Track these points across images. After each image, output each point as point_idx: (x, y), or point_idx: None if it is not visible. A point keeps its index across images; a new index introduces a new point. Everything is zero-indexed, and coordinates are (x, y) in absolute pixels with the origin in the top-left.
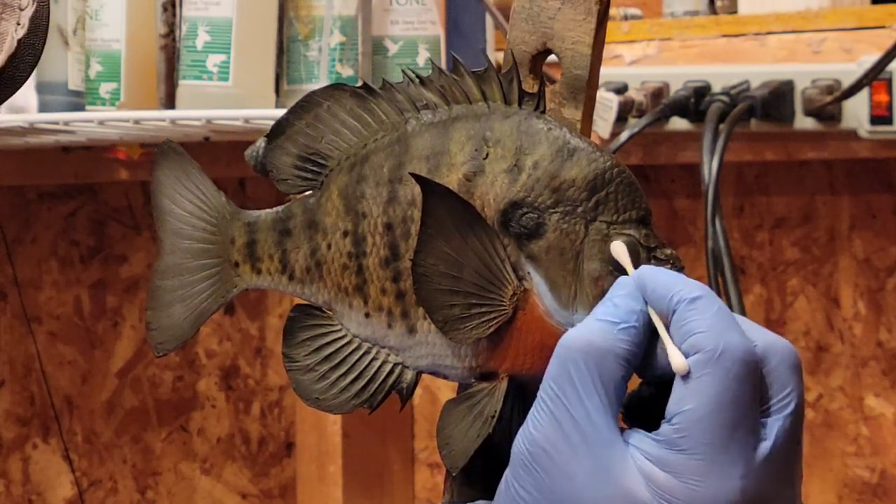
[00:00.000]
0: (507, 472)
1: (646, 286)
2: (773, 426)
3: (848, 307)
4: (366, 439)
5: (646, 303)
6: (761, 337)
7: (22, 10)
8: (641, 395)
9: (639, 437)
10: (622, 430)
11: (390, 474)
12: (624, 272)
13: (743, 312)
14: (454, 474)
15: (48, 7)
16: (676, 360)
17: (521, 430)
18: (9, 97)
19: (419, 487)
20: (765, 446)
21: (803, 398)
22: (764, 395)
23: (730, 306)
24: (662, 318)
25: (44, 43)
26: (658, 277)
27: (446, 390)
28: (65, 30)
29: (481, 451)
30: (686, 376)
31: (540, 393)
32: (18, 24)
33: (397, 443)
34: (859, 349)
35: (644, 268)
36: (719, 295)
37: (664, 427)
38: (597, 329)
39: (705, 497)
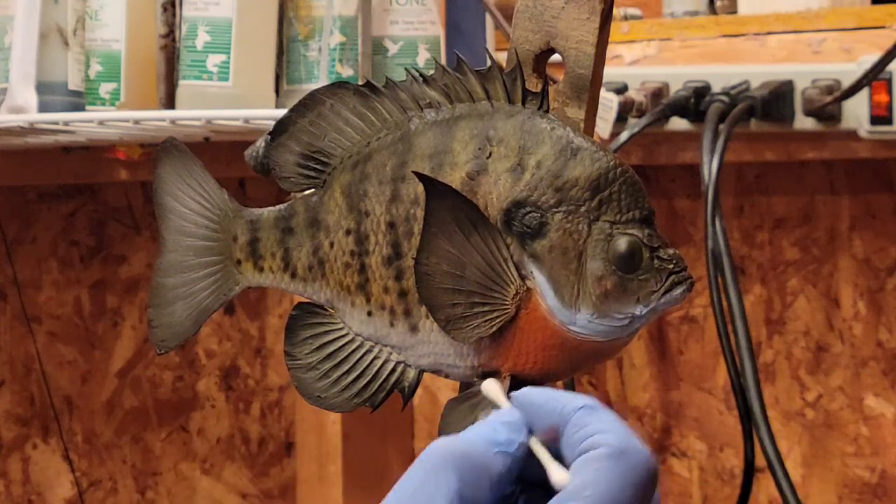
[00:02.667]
0: None
1: (532, 402)
2: None
3: (848, 307)
4: (366, 439)
5: (528, 434)
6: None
7: None
8: None
9: None
10: None
11: (390, 474)
12: (628, 278)
13: (743, 313)
14: None
15: None
16: (557, 473)
17: None
18: None
19: None
20: None
21: None
22: None
23: (730, 306)
24: (551, 434)
25: None
26: (545, 393)
27: (447, 391)
28: (65, 30)
29: None
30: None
31: (402, 480)
32: None
33: (397, 443)
34: (859, 349)
35: (526, 389)
36: (719, 295)
37: None
38: (476, 443)
39: None
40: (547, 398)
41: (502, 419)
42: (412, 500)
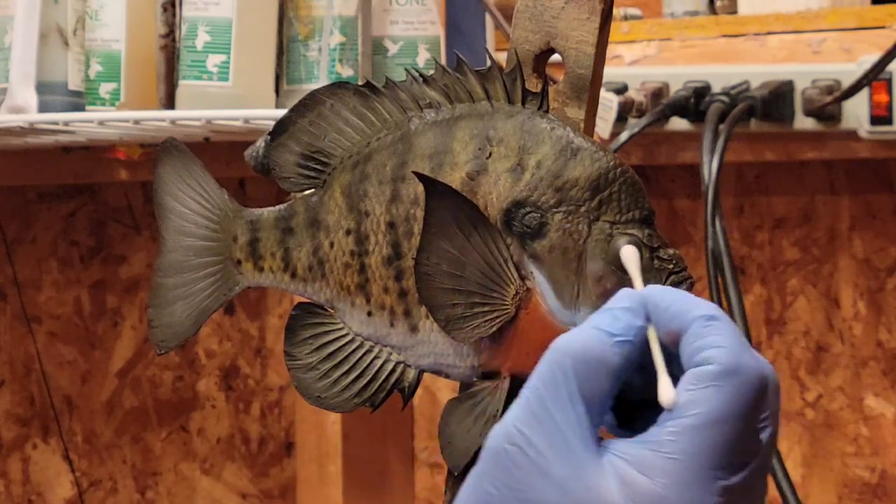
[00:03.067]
0: (478, 466)
1: (657, 304)
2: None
3: (848, 307)
4: (366, 439)
5: (647, 320)
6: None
7: None
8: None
9: (621, 442)
10: (603, 440)
11: (390, 474)
12: (627, 278)
13: (743, 313)
14: (456, 474)
15: None
16: (666, 392)
17: (497, 426)
18: None
19: (419, 487)
20: (752, 466)
21: (779, 422)
22: None
23: (730, 306)
24: (671, 336)
25: None
26: (671, 295)
27: (446, 391)
28: (65, 30)
29: None
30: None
31: (524, 391)
32: None
33: (397, 443)
34: (859, 349)
35: (653, 287)
36: (719, 295)
37: (653, 429)
38: (593, 337)
39: (676, 502)
40: (671, 301)
41: (623, 304)
42: (538, 402)
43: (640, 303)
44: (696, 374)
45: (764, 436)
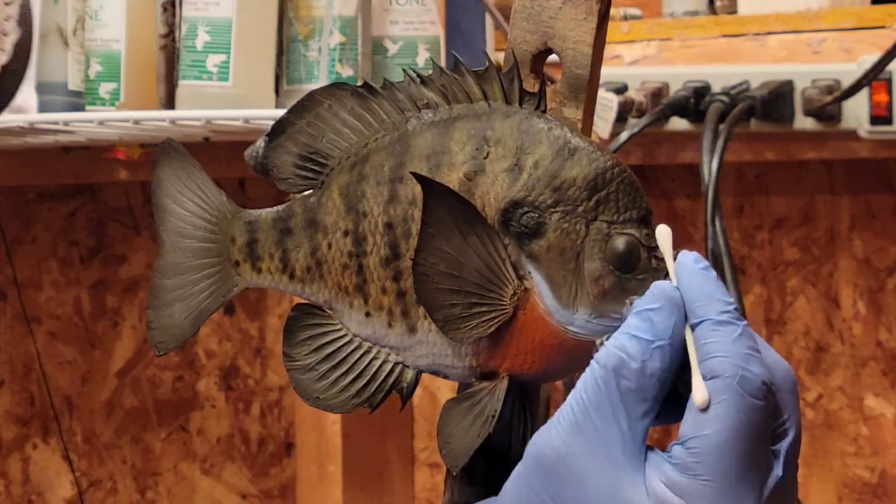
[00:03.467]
0: (520, 471)
1: (689, 296)
2: (781, 455)
3: (848, 307)
4: (366, 439)
5: (681, 317)
6: (768, 357)
7: (6, 35)
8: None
9: (657, 459)
10: (647, 448)
11: (390, 474)
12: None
13: (743, 313)
14: (455, 474)
15: (31, 34)
16: (699, 392)
17: (541, 433)
18: None
19: (419, 487)
20: (774, 476)
21: (801, 422)
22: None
23: None
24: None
25: (25, 69)
26: (693, 287)
27: (446, 390)
28: (65, 30)
29: (482, 451)
30: (705, 409)
31: (570, 400)
32: (2, 49)
33: (397, 443)
34: (859, 349)
35: (681, 273)
36: None
37: (678, 450)
38: (632, 347)
39: None
40: (690, 296)
41: (652, 304)
42: (583, 414)
43: (671, 300)
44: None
45: (787, 441)
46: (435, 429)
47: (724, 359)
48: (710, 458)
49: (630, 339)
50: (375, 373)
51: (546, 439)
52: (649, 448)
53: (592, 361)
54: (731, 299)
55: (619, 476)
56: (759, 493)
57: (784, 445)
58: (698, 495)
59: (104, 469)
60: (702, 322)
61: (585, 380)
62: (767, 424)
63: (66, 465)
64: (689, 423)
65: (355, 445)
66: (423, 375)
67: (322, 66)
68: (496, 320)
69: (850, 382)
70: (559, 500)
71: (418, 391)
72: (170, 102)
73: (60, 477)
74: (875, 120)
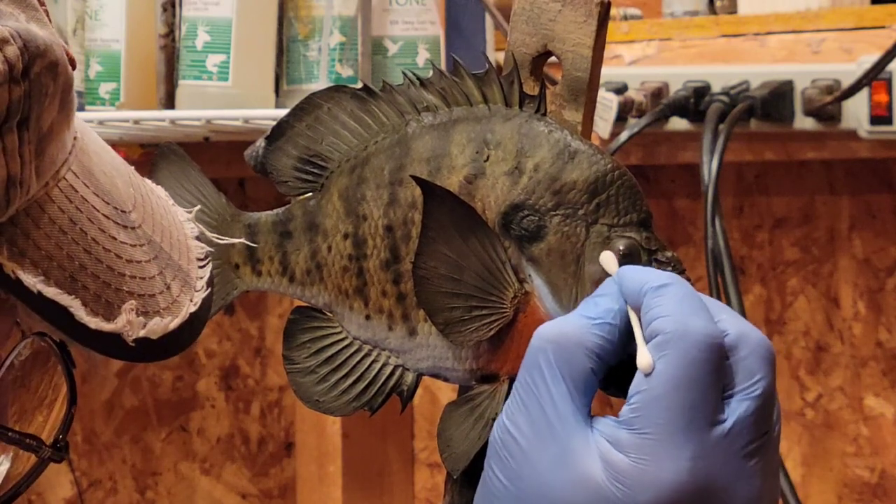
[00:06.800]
0: (485, 468)
1: (622, 283)
2: (735, 410)
3: (848, 307)
4: (366, 439)
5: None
6: (735, 325)
7: (197, 291)
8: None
9: (603, 421)
10: (591, 417)
11: (390, 474)
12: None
13: (743, 313)
14: (455, 476)
15: (210, 299)
16: (643, 357)
17: (496, 421)
18: (162, 359)
19: (419, 487)
20: (721, 429)
21: (773, 389)
22: (730, 381)
23: (729, 306)
24: (636, 312)
25: (199, 330)
26: (632, 273)
27: (446, 391)
28: (64, 30)
29: (482, 454)
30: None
31: (515, 382)
32: (191, 300)
33: (397, 443)
34: (859, 349)
35: (623, 268)
36: (719, 295)
37: (624, 408)
38: (571, 322)
39: (653, 477)
40: (632, 277)
41: (600, 293)
42: (524, 389)
43: (618, 290)
44: (651, 349)
45: (740, 403)
46: (435, 429)
47: (665, 318)
48: (649, 412)
49: (570, 317)
50: (375, 376)
51: (498, 423)
52: (596, 416)
53: (533, 338)
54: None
55: (567, 444)
56: (699, 445)
57: (746, 400)
58: (637, 448)
59: (104, 469)
60: (646, 292)
61: (526, 358)
62: (712, 378)
63: (66, 465)
64: (635, 384)
65: (355, 445)
66: (424, 377)
67: (322, 66)
68: (496, 323)
69: (850, 382)
70: (515, 480)
71: (418, 392)
72: (170, 102)
73: (60, 477)
74: (875, 120)
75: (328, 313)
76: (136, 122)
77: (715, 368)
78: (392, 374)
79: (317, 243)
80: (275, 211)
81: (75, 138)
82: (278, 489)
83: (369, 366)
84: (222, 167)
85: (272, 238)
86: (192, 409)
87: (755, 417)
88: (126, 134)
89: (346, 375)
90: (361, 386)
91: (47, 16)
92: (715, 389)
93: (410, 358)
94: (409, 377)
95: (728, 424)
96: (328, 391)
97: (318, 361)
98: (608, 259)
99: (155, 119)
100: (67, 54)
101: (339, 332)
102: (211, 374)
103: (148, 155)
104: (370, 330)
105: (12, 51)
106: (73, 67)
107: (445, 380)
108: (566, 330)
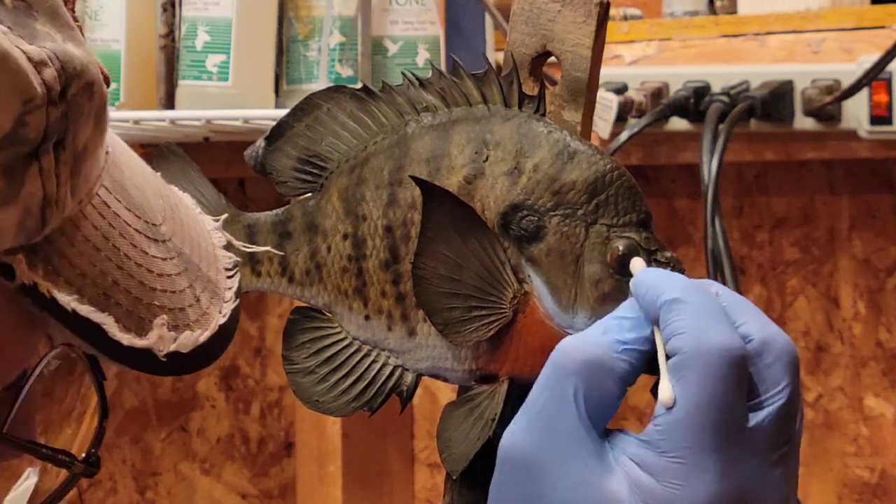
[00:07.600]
0: (495, 477)
1: (637, 293)
2: (761, 421)
3: (848, 307)
4: (366, 439)
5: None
6: (759, 329)
7: (226, 301)
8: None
9: (625, 440)
10: (610, 432)
11: (390, 474)
12: (625, 280)
13: None
14: (455, 477)
15: (239, 310)
16: (664, 392)
17: (509, 430)
18: (190, 372)
19: (419, 487)
20: (748, 442)
21: (798, 395)
22: (754, 390)
23: None
24: (654, 322)
25: (228, 342)
26: (647, 282)
27: (446, 390)
28: None
29: (482, 454)
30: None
31: (532, 395)
32: (220, 312)
33: (397, 443)
34: (859, 349)
35: (638, 276)
36: None
37: (648, 428)
38: (603, 346)
39: (683, 500)
40: (647, 288)
41: (628, 314)
42: (545, 409)
43: (642, 313)
44: (670, 369)
45: (765, 412)
46: (435, 429)
47: (681, 336)
48: (673, 434)
49: (601, 338)
50: (375, 376)
51: (513, 437)
52: (616, 431)
53: (557, 354)
54: (692, 280)
55: (590, 467)
56: (726, 464)
57: (770, 411)
58: (665, 471)
59: (104, 469)
60: (661, 307)
61: (548, 374)
62: (734, 393)
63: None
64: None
65: (355, 445)
66: (423, 377)
67: (322, 66)
68: (496, 324)
69: (850, 382)
70: (536, 500)
71: (418, 392)
72: (170, 102)
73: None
74: (875, 120)
75: (328, 314)
76: (136, 122)
77: (737, 382)
78: (391, 374)
79: (316, 244)
80: (274, 211)
81: (107, 153)
82: (278, 489)
83: (369, 366)
84: (222, 167)
85: (272, 238)
86: (192, 410)
87: (781, 426)
88: (126, 134)
89: (346, 376)
90: (361, 386)
91: (81, 32)
92: (739, 402)
93: (410, 358)
94: (409, 377)
95: (755, 436)
96: (328, 391)
97: (318, 362)
98: (638, 266)
99: (155, 119)
100: (102, 72)
101: (339, 333)
102: (211, 374)
103: (148, 155)
104: (369, 330)
105: (50, 73)
106: (108, 85)
107: (445, 380)
108: (598, 354)
